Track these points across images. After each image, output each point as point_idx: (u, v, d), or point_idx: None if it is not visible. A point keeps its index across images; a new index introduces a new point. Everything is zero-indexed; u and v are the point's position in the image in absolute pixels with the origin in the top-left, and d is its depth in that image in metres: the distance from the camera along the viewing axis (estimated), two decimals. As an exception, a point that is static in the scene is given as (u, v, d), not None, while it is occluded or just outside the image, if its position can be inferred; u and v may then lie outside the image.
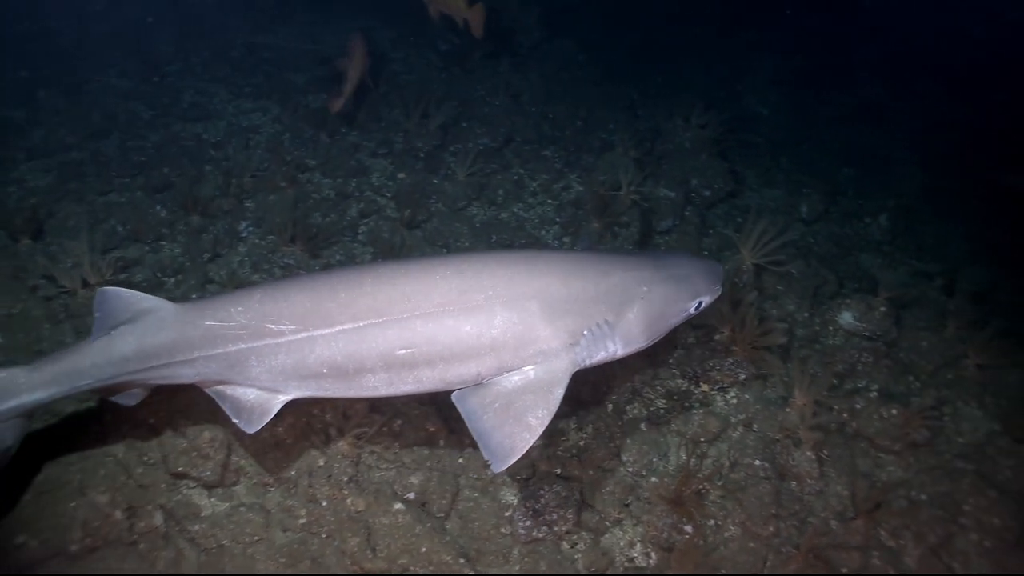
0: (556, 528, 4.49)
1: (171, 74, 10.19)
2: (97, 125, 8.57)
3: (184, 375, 4.11)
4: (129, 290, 4.19)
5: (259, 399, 4.10)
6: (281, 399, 4.09)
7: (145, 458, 4.58)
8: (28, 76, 9.73)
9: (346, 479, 4.60)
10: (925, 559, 4.46)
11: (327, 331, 3.91)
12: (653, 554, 4.51)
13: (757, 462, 4.82)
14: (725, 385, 5.42)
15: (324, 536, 4.35)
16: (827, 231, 8.02)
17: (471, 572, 4.25)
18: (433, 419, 4.97)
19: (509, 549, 4.43)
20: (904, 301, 6.47)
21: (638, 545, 4.55)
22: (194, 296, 5.98)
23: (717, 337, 5.69)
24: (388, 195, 7.66)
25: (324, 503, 4.49)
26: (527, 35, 11.22)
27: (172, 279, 6.22)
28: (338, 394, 4.08)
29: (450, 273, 3.96)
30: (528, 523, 4.49)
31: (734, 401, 5.32)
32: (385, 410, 4.94)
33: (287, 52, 10.93)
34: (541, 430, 3.82)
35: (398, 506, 4.44)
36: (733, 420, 5.15)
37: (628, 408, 5.27)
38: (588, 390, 5.25)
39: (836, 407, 5.20)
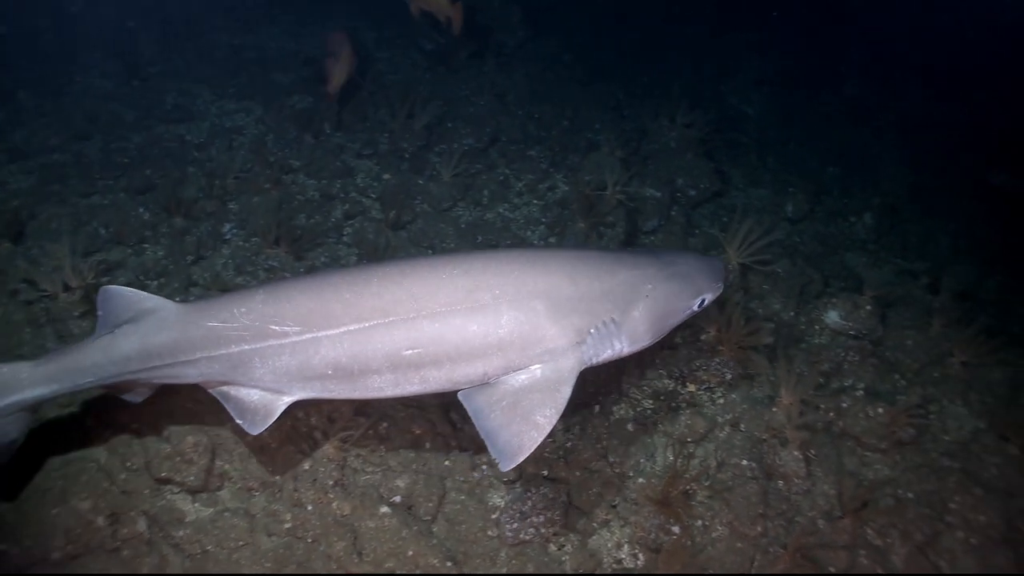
0: (543, 530, 4.47)
1: (154, 75, 10.12)
2: (79, 127, 8.50)
3: (187, 375, 4.09)
4: (132, 289, 4.18)
5: (263, 400, 4.08)
6: (285, 400, 4.07)
7: (128, 463, 4.53)
8: (8, 77, 9.61)
9: (332, 483, 4.56)
10: (912, 557, 4.47)
11: (332, 332, 3.89)
12: (641, 555, 4.49)
13: (744, 462, 4.81)
14: (712, 385, 5.42)
15: (310, 541, 4.32)
16: (813, 230, 8.05)
17: (457, 574, 4.22)
18: (419, 421, 4.94)
19: (496, 552, 4.41)
20: (889, 299, 6.49)
21: (626, 546, 4.54)
22: (178, 299, 5.92)
23: (703, 337, 5.69)
24: (373, 196, 7.63)
25: (310, 507, 4.45)
26: (512, 35, 11.20)
27: (155, 282, 6.15)
28: (343, 395, 4.06)
29: (457, 272, 3.93)
30: (515, 525, 4.47)
31: (721, 401, 5.31)
32: (371, 413, 4.91)
33: (271, 52, 10.88)
34: (549, 429, 3.82)
35: (384, 509, 4.41)
36: (720, 420, 5.14)
37: (615, 409, 5.26)
38: (575, 391, 5.22)
39: (822, 406, 5.20)
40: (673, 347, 5.65)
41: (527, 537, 4.44)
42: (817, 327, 6.15)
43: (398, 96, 8.88)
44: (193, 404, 4.74)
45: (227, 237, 6.83)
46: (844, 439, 5.11)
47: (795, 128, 10.34)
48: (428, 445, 4.87)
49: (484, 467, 4.81)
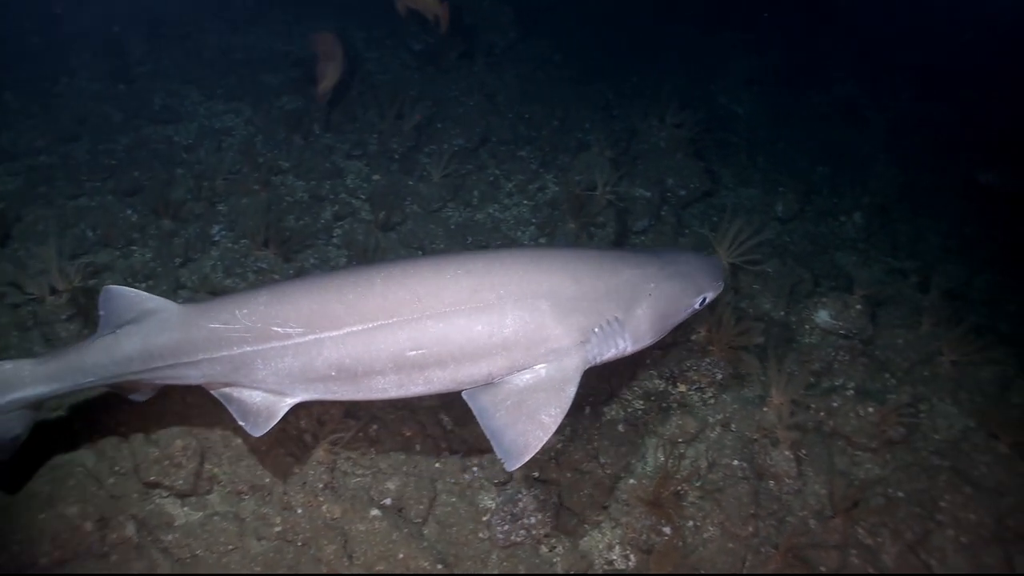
0: (534, 532, 4.46)
1: (142, 76, 10.07)
2: (66, 128, 8.46)
3: (189, 376, 4.07)
4: (134, 289, 4.18)
5: (266, 402, 4.06)
6: (288, 402, 4.05)
7: (116, 467, 4.50)
8: (-6, 78, 9.59)
9: (321, 486, 4.54)
10: (903, 556, 4.47)
11: (335, 333, 3.86)
12: (632, 556, 4.49)
13: (735, 462, 4.81)
14: (702, 385, 5.42)
15: (300, 544, 4.30)
16: (803, 229, 8.05)
17: (448, 574, 4.22)
18: (409, 424, 4.93)
19: (487, 554, 4.39)
20: (879, 299, 6.50)
21: (617, 547, 4.53)
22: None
23: (694, 337, 5.68)
24: (363, 197, 7.61)
25: (299, 511, 4.43)
26: (502, 35, 11.18)
27: (143, 285, 6.11)
28: (346, 396, 4.04)
29: (461, 272, 3.92)
30: (506, 527, 4.45)
31: (711, 401, 5.31)
32: (361, 415, 4.89)
33: (260, 53, 10.83)
34: (554, 428, 3.81)
35: (374, 512, 4.39)
36: (711, 420, 5.14)
37: (605, 410, 5.25)
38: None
39: (813, 406, 5.21)
40: (663, 347, 5.65)
41: (518, 539, 4.43)
42: (807, 327, 6.16)
43: (387, 96, 8.85)
44: (182, 407, 4.72)
45: (216, 239, 6.79)
46: (835, 438, 5.12)
47: (785, 128, 10.35)
48: (418, 447, 4.85)
49: (475, 469, 4.79)
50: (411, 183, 7.77)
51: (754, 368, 5.54)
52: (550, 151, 8.61)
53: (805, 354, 5.81)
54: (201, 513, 4.43)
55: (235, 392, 4.09)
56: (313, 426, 4.77)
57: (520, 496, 4.55)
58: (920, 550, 4.51)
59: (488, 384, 3.96)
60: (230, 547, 4.24)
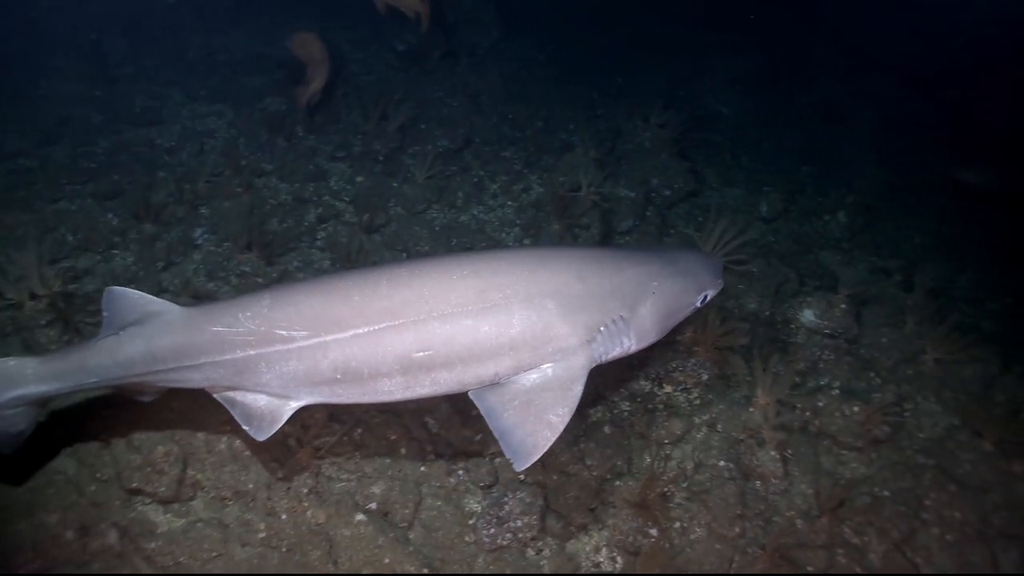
0: (521, 535, 4.44)
1: (123, 78, 9.97)
2: (46, 131, 8.36)
3: (192, 380, 4.04)
4: (137, 291, 4.14)
5: (269, 406, 4.02)
6: (292, 405, 4.01)
7: (97, 475, 4.45)
8: (-28, 81, 9.48)
9: (306, 491, 4.51)
10: (889, 555, 4.49)
11: (341, 335, 3.83)
12: (619, 558, 4.48)
13: (721, 463, 4.81)
14: (688, 386, 5.42)
15: (284, 550, 4.26)
16: (787, 229, 8.08)
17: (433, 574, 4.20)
18: (394, 427, 4.89)
19: (474, 557, 4.37)
20: (864, 298, 6.51)
21: (604, 550, 4.52)
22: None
23: (679, 338, 5.67)
24: (347, 199, 7.57)
25: (284, 516, 4.39)
26: (485, 35, 11.16)
27: (125, 289, 6.05)
28: (352, 399, 4.01)
29: (467, 272, 3.89)
30: (492, 531, 4.43)
31: (697, 402, 5.31)
32: (345, 419, 4.86)
33: (243, 55, 10.76)
34: (562, 428, 3.81)
35: (360, 517, 4.36)
36: (697, 421, 5.14)
37: (591, 411, 5.23)
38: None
39: (799, 406, 5.21)
40: (648, 348, 5.63)
41: (504, 542, 4.41)
42: (793, 326, 6.17)
43: (371, 98, 8.82)
44: (165, 412, 4.66)
45: (198, 242, 6.74)
46: (820, 438, 5.12)
47: (769, 127, 10.38)
48: (403, 451, 4.82)
49: (460, 472, 4.77)
50: (395, 185, 7.74)
51: (740, 368, 5.54)
52: (534, 152, 8.59)
53: (790, 354, 5.82)
54: (184, 520, 4.39)
55: (238, 396, 4.05)
56: (297, 431, 4.73)
57: (506, 499, 4.53)
58: (906, 548, 4.52)
59: (495, 384, 3.96)
60: (214, 554, 4.20)
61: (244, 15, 11.99)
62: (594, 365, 4.05)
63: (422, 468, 4.76)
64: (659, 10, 13.17)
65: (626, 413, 5.22)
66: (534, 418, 3.82)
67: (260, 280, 6.22)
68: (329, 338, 3.84)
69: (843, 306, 6.09)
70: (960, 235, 8.34)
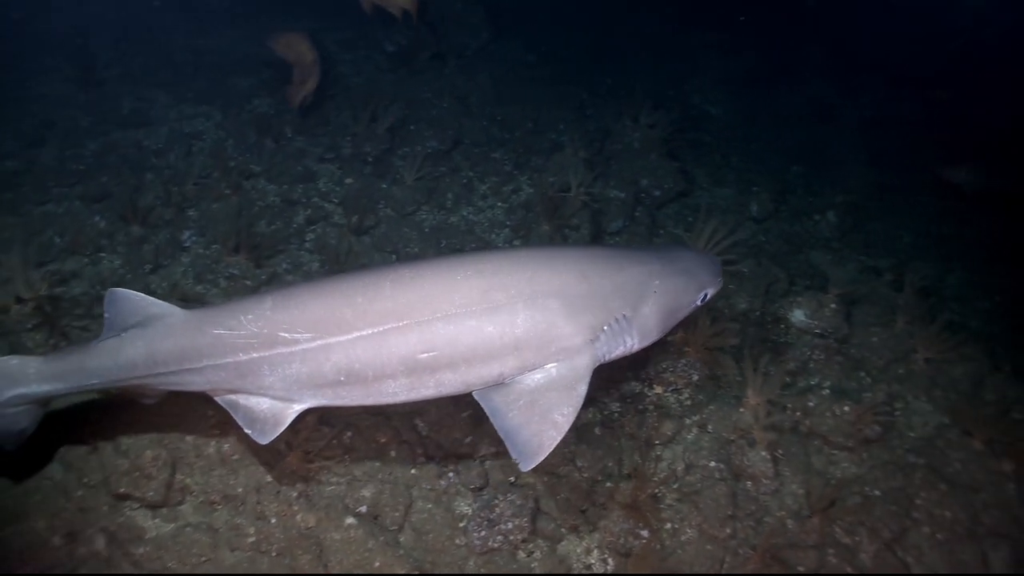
0: (512, 537, 4.42)
1: (110, 79, 9.90)
2: (32, 133, 8.31)
3: (194, 383, 4.03)
4: (139, 293, 4.13)
5: (273, 409, 4.02)
6: (296, 408, 4.01)
7: (85, 479, 4.43)
8: (-42, 83, 9.41)
9: (295, 495, 4.48)
10: (880, 554, 4.49)
11: (344, 338, 3.82)
12: (610, 560, 4.47)
13: (712, 463, 4.80)
14: (679, 387, 5.41)
15: (274, 554, 4.23)
16: (777, 229, 8.08)
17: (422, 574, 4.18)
18: (384, 430, 4.87)
19: (465, 560, 4.36)
20: (854, 297, 6.51)
21: (595, 552, 4.51)
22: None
23: (670, 338, 5.66)
24: (335, 201, 7.54)
25: (273, 520, 4.37)
26: (474, 35, 11.14)
27: (112, 292, 6.01)
28: (356, 402, 4.00)
29: (471, 273, 3.90)
30: (483, 533, 4.42)
31: (688, 402, 5.31)
32: (335, 422, 4.83)
33: (231, 56, 10.70)
34: (567, 427, 3.81)
35: (350, 520, 4.33)
36: (687, 422, 5.13)
37: (582, 413, 5.20)
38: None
39: (789, 406, 5.21)
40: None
41: (495, 545, 4.39)
42: (783, 326, 6.17)
43: (360, 99, 8.78)
44: (153, 416, 4.63)
45: (186, 245, 6.70)
46: (811, 438, 5.12)
47: (759, 127, 10.38)
48: (393, 454, 4.80)
49: (451, 475, 4.75)
50: (384, 186, 7.71)
51: (730, 369, 5.54)
52: (524, 152, 8.58)
53: (781, 354, 5.82)
54: (173, 525, 4.35)
55: (241, 399, 4.05)
56: (287, 434, 4.67)
57: (497, 502, 4.51)
58: (897, 548, 4.52)
59: (500, 384, 3.95)
60: (203, 559, 4.17)
61: (232, 17, 11.96)
62: (597, 364, 4.06)
63: (412, 471, 4.74)
64: (649, 11, 13.17)
65: (616, 414, 5.21)
66: (539, 418, 3.82)
67: (249, 283, 6.19)
68: (332, 340, 3.83)
69: (833, 306, 6.10)
70: (950, 234, 8.36)
